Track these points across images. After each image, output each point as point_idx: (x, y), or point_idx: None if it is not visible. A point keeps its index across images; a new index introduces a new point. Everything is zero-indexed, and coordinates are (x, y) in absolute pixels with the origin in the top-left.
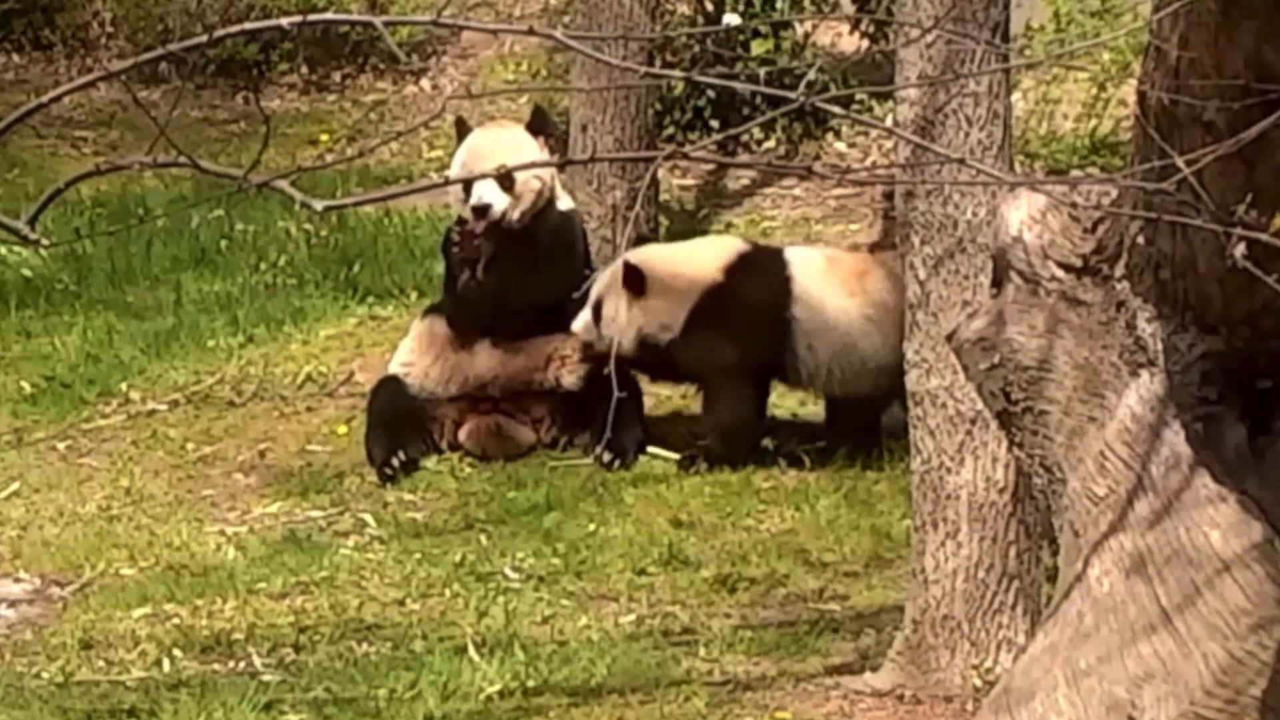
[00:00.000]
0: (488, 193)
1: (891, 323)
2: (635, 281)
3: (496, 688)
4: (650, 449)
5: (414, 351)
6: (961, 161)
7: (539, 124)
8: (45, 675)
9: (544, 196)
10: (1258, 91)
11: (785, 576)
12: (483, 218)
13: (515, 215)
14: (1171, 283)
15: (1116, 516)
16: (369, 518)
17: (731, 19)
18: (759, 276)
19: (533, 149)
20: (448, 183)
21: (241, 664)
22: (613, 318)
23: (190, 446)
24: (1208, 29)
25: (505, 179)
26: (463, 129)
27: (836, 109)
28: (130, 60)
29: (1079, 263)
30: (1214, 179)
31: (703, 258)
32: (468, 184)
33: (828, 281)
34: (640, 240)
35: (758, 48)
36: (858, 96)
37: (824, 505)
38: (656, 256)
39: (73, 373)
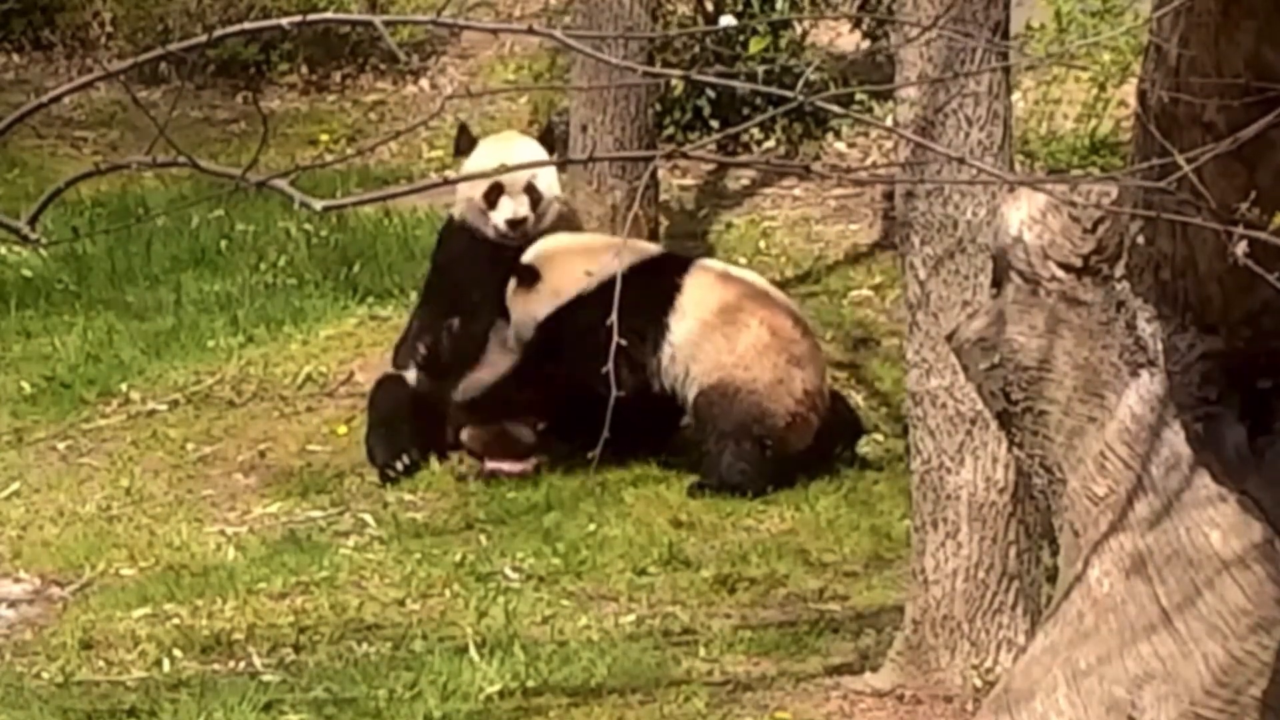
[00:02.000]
0: (523, 207)
1: (771, 362)
2: (529, 277)
3: (496, 688)
4: None
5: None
6: (962, 161)
7: (550, 140)
8: (45, 675)
9: (556, 210)
10: (1258, 91)
11: (785, 576)
12: (517, 230)
13: (535, 229)
14: (1171, 283)
15: (1116, 516)
16: (369, 518)
17: (728, 20)
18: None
19: (540, 156)
20: (447, 182)
21: (241, 664)
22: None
23: (190, 446)
24: (1208, 29)
25: (533, 192)
26: (466, 137)
27: (836, 109)
28: (130, 60)
29: (1079, 263)
30: (1214, 179)
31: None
32: (492, 196)
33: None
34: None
35: (755, 46)
36: (857, 96)
37: (824, 505)
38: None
39: (73, 373)
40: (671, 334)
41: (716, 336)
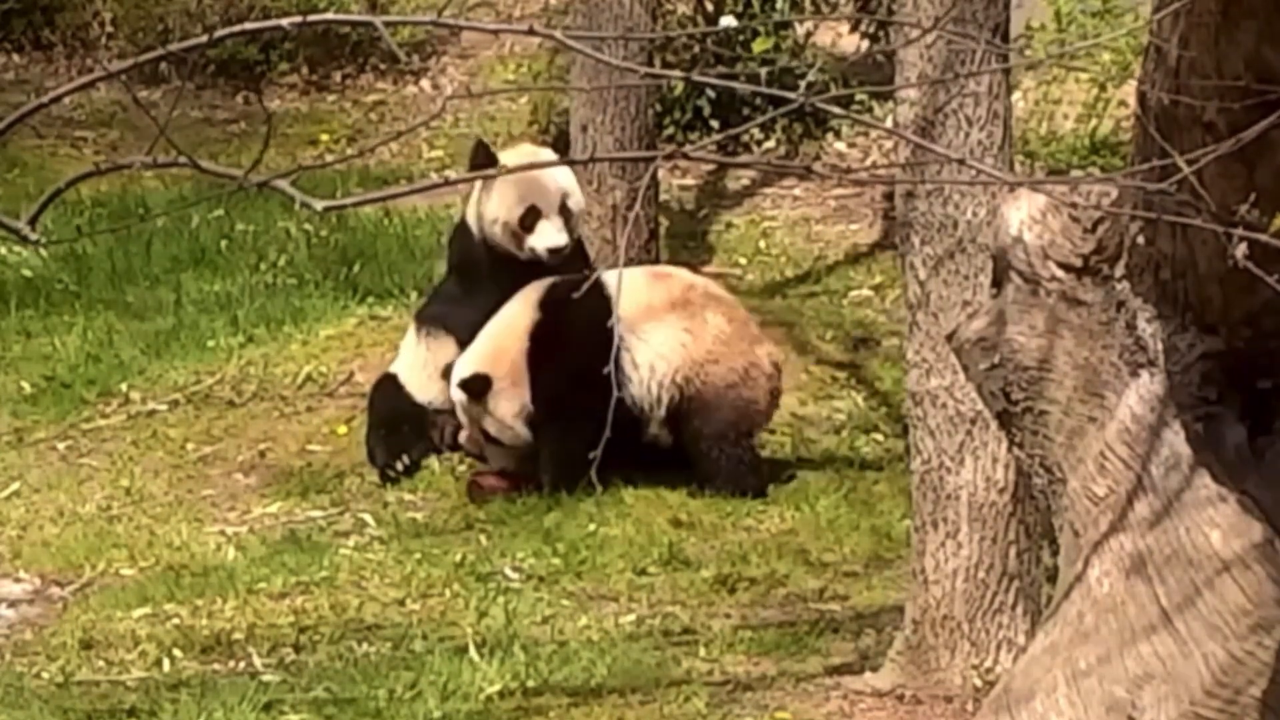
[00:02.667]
0: (562, 234)
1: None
2: (479, 386)
3: (496, 688)
4: None
5: (412, 368)
6: (962, 162)
7: (562, 149)
8: (45, 675)
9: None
10: (1258, 92)
11: (785, 576)
12: (556, 259)
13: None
14: (1171, 283)
15: (1116, 516)
16: (369, 518)
17: (728, 21)
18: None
19: (570, 176)
20: (448, 183)
21: (241, 664)
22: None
23: (190, 446)
24: (1208, 29)
25: (567, 213)
26: (485, 153)
27: (836, 109)
28: (130, 60)
29: (1079, 263)
30: (1214, 179)
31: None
32: (529, 220)
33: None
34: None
35: (758, 46)
36: (858, 96)
37: (824, 505)
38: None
39: (73, 373)
40: (626, 344)
41: (679, 333)
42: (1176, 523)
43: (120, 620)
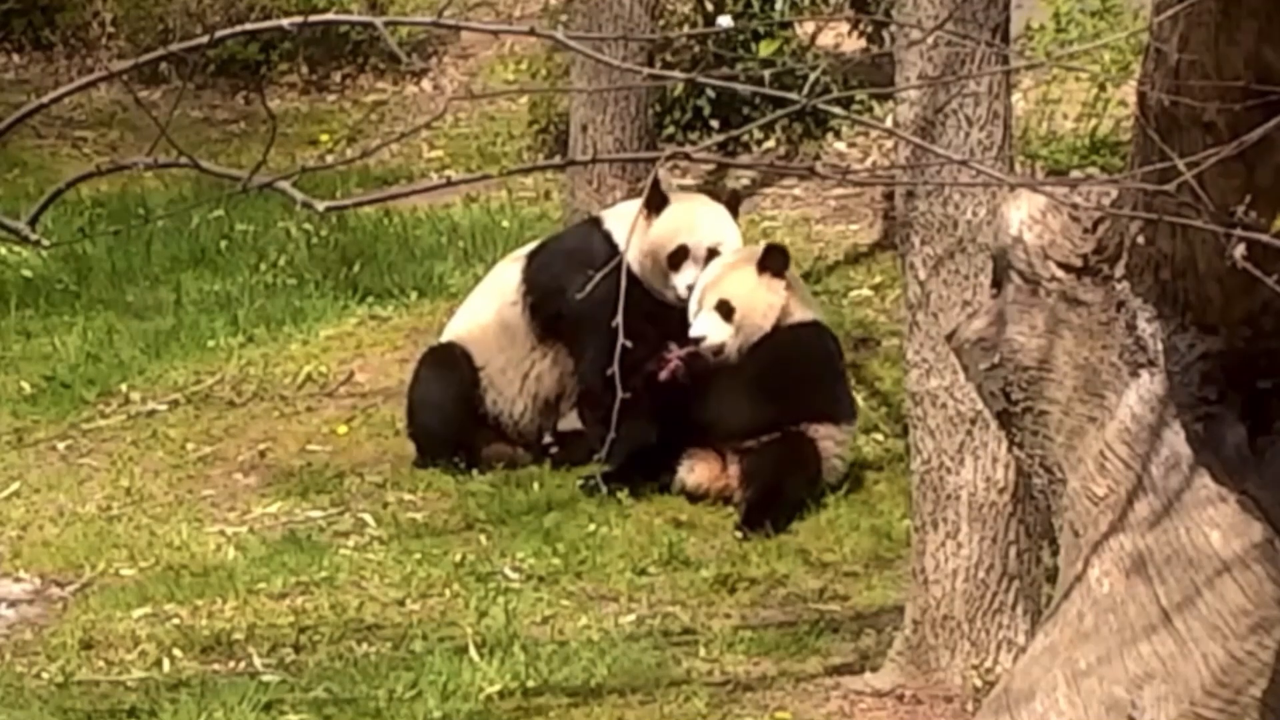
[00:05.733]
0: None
1: None
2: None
3: (496, 688)
4: None
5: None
6: (963, 163)
7: (735, 206)
8: (45, 675)
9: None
10: (1258, 92)
11: (785, 576)
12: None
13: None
14: (1171, 283)
15: (1116, 516)
16: (369, 518)
17: (725, 20)
18: None
19: (733, 226)
20: (448, 183)
21: (241, 664)
22: (751, 309)
23: (190, 446)
24: (1208, 29)
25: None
26: (659, 195)
27: (837, 110)
28: (131, 60)
29: (1079, 263)
30: (1214, 180)
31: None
32: (677, 259)
33: None
34: None
35: (765, 49)
36: (858, 97)
37: (824, 505)
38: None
39: (73, 373)
40: None
41: None
42: (1176, 523)
43: (120, 620)
